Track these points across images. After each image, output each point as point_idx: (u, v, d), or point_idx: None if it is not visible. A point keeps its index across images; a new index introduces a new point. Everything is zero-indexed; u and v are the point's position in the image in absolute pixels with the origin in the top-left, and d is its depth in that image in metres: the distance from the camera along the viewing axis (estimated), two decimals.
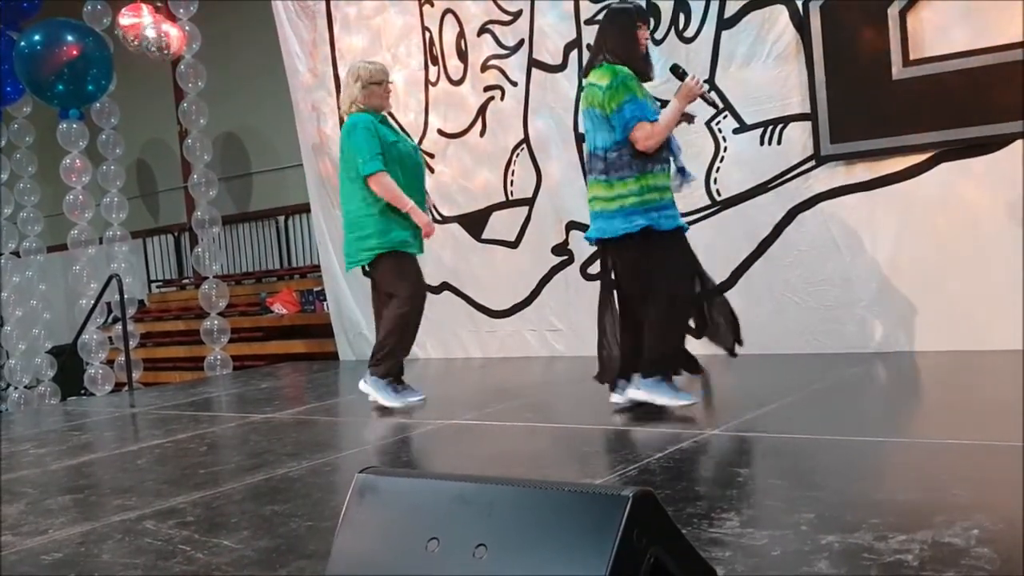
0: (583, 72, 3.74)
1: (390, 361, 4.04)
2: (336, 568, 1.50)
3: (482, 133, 5.70)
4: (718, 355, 4.62)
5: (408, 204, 3.89)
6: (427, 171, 4.16)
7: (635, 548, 1.25)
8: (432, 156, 5.97)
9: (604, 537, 1.22)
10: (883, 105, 4.21)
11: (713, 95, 3.81)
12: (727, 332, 3.60)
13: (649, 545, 1.27)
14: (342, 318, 6.62)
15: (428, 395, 4.26)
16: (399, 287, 3.99)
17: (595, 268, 5.33)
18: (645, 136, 3.28)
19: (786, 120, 4.51)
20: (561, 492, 1.33)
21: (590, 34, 5.13)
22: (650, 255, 3.33)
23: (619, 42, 3.41)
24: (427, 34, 5.91)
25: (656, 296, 3.33)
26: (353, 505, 1.52)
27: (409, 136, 4.17)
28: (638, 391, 3.41)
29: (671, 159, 3.43)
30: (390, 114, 4.15)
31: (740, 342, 3.62)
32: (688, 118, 3.44)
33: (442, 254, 5.98)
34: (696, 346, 4.82)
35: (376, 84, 3.97)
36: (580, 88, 5.28)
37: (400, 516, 1.45)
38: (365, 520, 1.50)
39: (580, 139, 5.28)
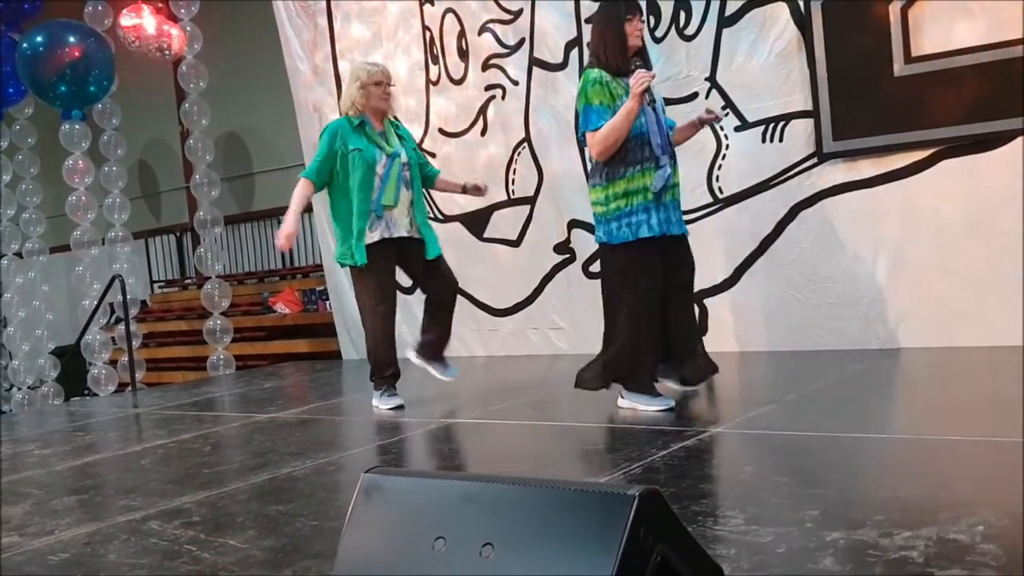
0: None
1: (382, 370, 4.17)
2: (343, 568, 1.50)
3: (483, 132, 5.70)
4: (721, 352, 4.64)
5: (294, 208, 3.92)
6: (410, 173, 4.02)
7: (642, 546, 1.25)
8: (433, 155, 5.96)
9: (611, 535, 1.23)
10: (885, 102, 4.20)
11: (717, 111, 3.75)
12: (691, 366, 3.43)
13: (656, 543, 1.27)
14: (345, 317, 6.63)
15: (430, 394, 4.27)
16: (358, 299, 4.12)
17: (597, 266, 5.34)
18: (591, 145, 3.28)
19: (788, 118, 4.51)
20: (567, 491, 1.34)
21: (590, 33, 5.14)
22: (611, 265, 3.33)
23: (597, 41, 3.37)
24: (427, 33, 5.91)
25: (616, 309, 3.32)
26: (359, 505, 1.53)
27: (404, 140, 4.09)
28: (623, 401, 3.42)
29: (655, 159, 3.26)
30: (395, 117, 4.16)
31: (698, 378, 3.46)
32: (714, 117, 3.51)
33: (444, 253, 5.97)
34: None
35: (375, 85, 3.97)
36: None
37: (406, 516, 1.46)
38: (371, 520, 1.51)
39: (581, 138, 5.28)
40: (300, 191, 3.96)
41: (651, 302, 3.28)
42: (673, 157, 3.35)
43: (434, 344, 4.25)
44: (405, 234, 3.99)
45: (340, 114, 4.07)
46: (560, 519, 1.29)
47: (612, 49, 3.30)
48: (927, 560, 1.65)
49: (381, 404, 4.09)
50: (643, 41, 3.37)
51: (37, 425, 5.13)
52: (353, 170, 3.89)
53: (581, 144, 5.26)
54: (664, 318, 3.35)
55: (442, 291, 4.21)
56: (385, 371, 4.10)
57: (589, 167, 3.38)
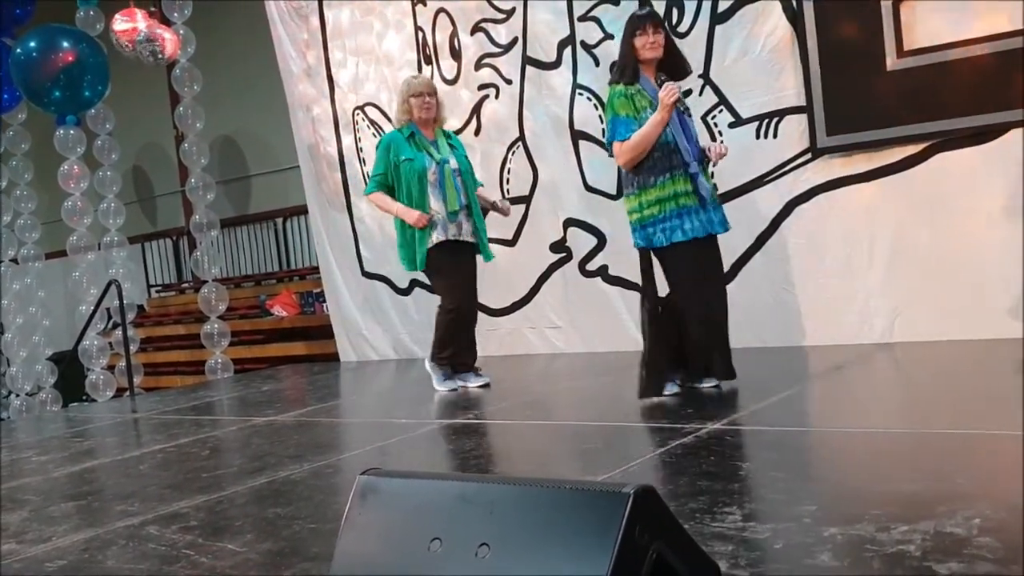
0: None
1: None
2: (339, 570, 1.50)
3: (477, 132, 5.70)
4: None
5: (394, 208, 4.21)
6: (464, 179, 4.29)
7: (637, 545, 1.25)
8: None
9: (606, 534, 1.23)
10: (878, 96, 4.20)
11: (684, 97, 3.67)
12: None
13: (651, 541, 1.27)
14: (342, 319, 6.63)
15: (427, 394, 4.27)
16: (439, 294, 4.42)
17: (593, 265, 5.34)
18: (617, 155, 3.44)
19: (782, 113, 4.51)
20: (562, 490, 1.34)
21: (583, 31, 5.15)
22: (647, 271, 3.48)
23: (619, 57, 3.54)
24: (420, 34, 5.91)
25: (643, 310, 3.49)
26: (355, 507, 1.53)
27: (455, 148, 4.34)
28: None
29: (684, 166, 3.41)
30: (443, 130, 4.39)
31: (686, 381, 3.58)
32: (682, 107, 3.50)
33: None
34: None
35: (415, 97, 4.21)
36: (575, 85, 5.30)
37: (402, 517, 1.46)
38: (367, 522, 1.51)
39: (576, 136, 5.28)
40: (383, 198, 4.25)
41: (703, 301, 3.46)
42: (702, 162, 3.48)
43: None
44: (470, 239, 4.25)
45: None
46: (555, 519, 1.29)
47: (627, 66, 3.47)
48: (924, 554, 1.65)
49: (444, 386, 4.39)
50: (666, 51, 3.48)
51: (35, 431, 5.12)
52: (407, 179, 4.16)
53: (576, 145, 5.29)
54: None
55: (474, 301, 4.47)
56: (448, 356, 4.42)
57: (621, 177, 3.59)
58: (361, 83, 6.26)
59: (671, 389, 3.52)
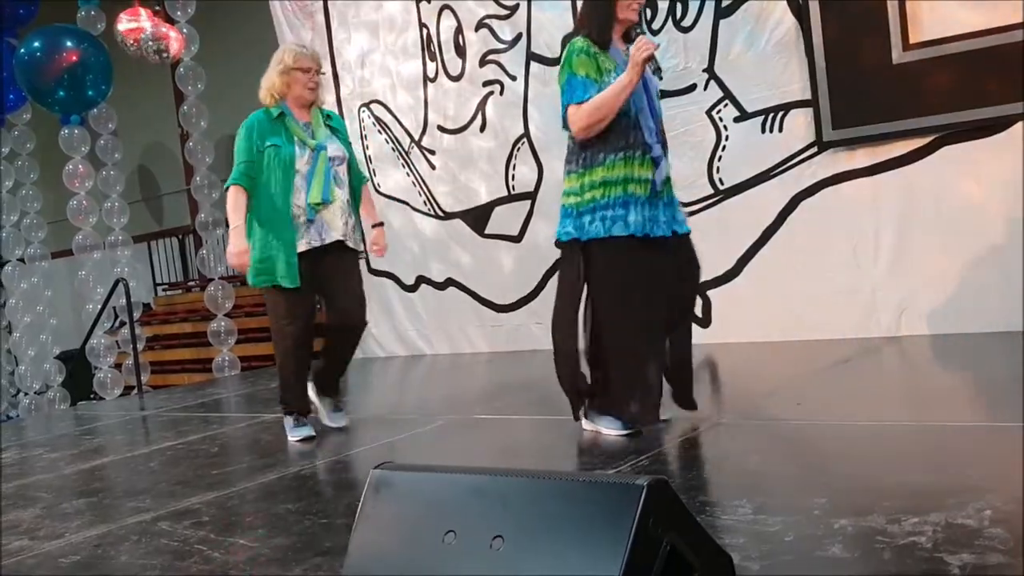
0: None
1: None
2: (354, 563, 1.51)
3: (482, 128, 5.70)
4: (724, 343, 4.64)
5: (234, 224, 3.40)
6: (345, 169, 3.50)
7: (651, 536, 1.26)
8: (433, 152, 5.97)
9: (620, 526, 1.24)
10: (884, 90, 4.20)
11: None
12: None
13: (665, 533, 1.28)
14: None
15: (435, 392, 4.27)
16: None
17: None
18: (572, 120, 2.82)
19: (787, 107, 4.50)
20: (576, 483, 1.35)
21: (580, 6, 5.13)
22: (585, 266, 2.84)
23: (585, 11, 2.97)
24: (424, 30, 5.91)
25: (601, 321, 2.87)
26: (369, 501, 1.54)
27: (337, 132, 3.54)
28: (587, 423, 3.00)
29: (644, 146, 2.80)
30: (321, 110, 3.56)
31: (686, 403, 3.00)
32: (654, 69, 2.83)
33: (447, 250, 5.99)
34: (700, 336, 4.83)
35: (301, 72, 3.43)
36: None
37: (416, 510, 1.47)
38: (381, 515, 1.52)
39: (563, 115, 5.26)
40: (233, 202, 3.41)
41: (642, 305, 2.80)
42: (665, 146, 2.89)
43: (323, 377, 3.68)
44: (340, 237, 3.43)
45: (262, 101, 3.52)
46: (569, 511, 1.30)
47: (598, 19, 2.87)
48: (935, 545, 1.66)
49: (290, 435, 3.55)
50: (640, 18, 2.94)
51: (45, 430, 5.14)
52: (270, 170, 3.37)
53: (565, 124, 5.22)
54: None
55: (350, 312, 3.61)
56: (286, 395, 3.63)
57: (567, 151, 2.93)
58: (366, 81, 6.27)
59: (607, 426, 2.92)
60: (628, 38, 2.90)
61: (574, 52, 2.86)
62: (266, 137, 3.41)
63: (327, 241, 3.41)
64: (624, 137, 2.80)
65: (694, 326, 3.11)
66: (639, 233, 2.77)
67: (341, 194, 3.46)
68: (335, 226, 3.42)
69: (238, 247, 3.36)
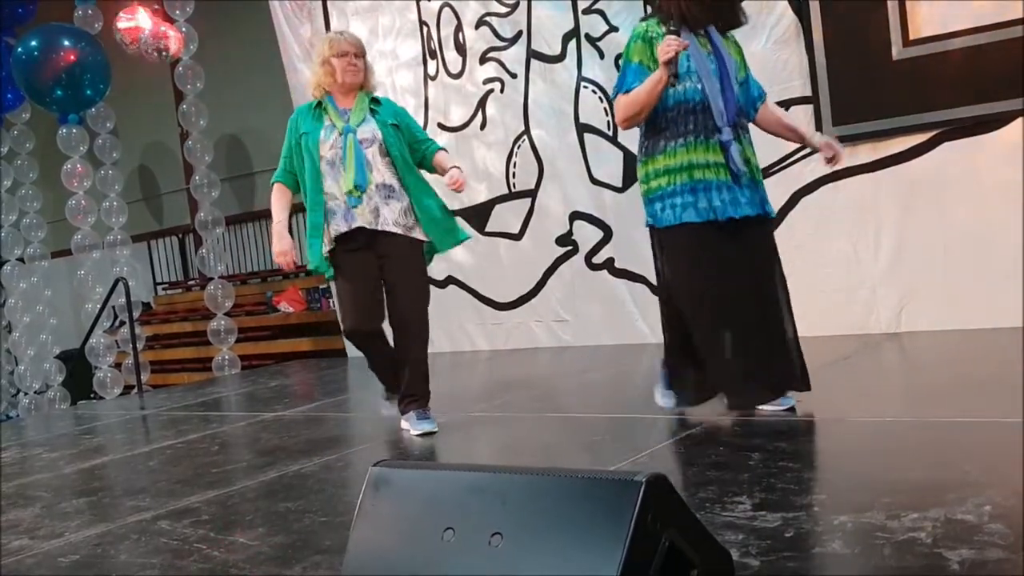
0: None
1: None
2: (354, 560, 1.51)
3: (483, 126, 5.70)
4: None
5: (274, 223, 3.37)
6: (380, 152, 3.28)
7: (650, 532, 1.26)
8: None
9: (619, 522, 1.23)
10: (884, 86, 4.19)
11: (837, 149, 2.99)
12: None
13: (664, 529, 1.28)
14: None
15: (435, 389, 4.27)
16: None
17: (599, 258, 5.34)
18: (616, 110, 2.85)
19: (787, 104, 4.49)
20: (574, 479, 1.34)
21: (588, 24, 5.14)
22: (661, 252, 2.88)
23: None
24: (424, 28, 5.90)
25: (677, 303, 2.89)
26: (368, 498, 1.54)
27: (376, 114, 3.33)
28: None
29: (709, 131, 2.75)
30: (369, 94, 3.39)
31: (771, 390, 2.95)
32: (672, 80, 2.71)
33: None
34: None
35: (338, 57, 3.29)
36: (579, 78, 5.29)
37: (415, 508, 1.47)
38: (381, 513, 1.51)
39: (581, 129, 5.27)
40: (275, 199, 3.40)
41: (718, 293, 2.80)
42: (744, 129, 2.87)
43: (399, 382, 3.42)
44: (363, 225, 3.23)
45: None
46: (568, 507, 1.30)
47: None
48: (935, 541, 1.65)
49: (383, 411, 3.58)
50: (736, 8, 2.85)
51: (45, 429, 5.14)
52: (301, 159, 3.31)
53: (581, 138, 5.28)
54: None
55: (397, 309, 3.35)
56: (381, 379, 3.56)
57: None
58: None
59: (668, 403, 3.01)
60: (724, 16, 2.85)
61: (633, 37, 2.82)
62: (301, 128, 3.34)
63: (353, 227, 3.23)
64: (685, 122, 2.77)
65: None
66: (716, 217, 2.75)
67: (373, 178, 3.25)
68: (361, 213, 3.23)
69: (278, 247, 3.34)
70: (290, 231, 3.43)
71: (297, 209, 3.57)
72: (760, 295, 2.85)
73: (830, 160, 3.00)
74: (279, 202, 3.40)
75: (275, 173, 3.45)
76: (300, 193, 3.39)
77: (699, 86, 2.76)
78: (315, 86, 3.38)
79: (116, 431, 4.71)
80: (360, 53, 3.35)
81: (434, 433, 3.28)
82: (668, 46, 2.63)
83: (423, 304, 3.37)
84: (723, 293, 2.80)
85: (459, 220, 3.63)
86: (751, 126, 3.01)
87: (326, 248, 3.27)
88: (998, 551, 1.58)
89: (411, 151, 3.38)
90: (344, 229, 3.24)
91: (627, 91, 2.79)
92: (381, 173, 3.26)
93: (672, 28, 2.73)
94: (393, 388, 3.47)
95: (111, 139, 7.93)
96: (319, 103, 3.34)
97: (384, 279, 3.32)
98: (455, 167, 3.35)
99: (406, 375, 3.35)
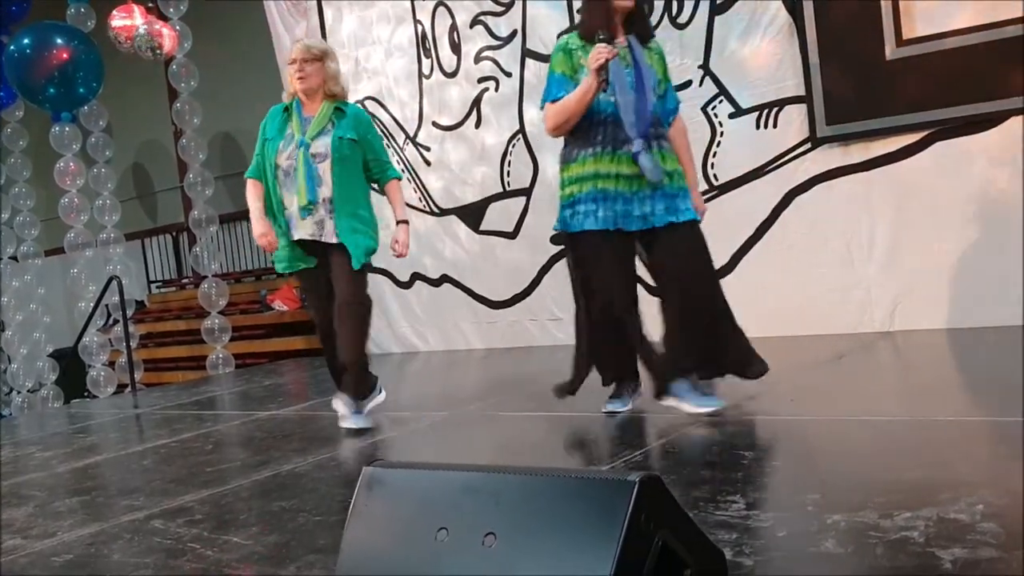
0: None
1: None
2: (347, 560, 1.51)
3: (477, 125, 5.70)
4: None
5: (251, 210, 3.50)
6: (329, 166, 3.40)
7: (643, 532, 1.26)
8: (428, 149, 5.97)
9: (612, 522, 1.24)
10: (877, 86, 4.20)
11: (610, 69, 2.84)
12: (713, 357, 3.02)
13: (657, 529, 1.28)
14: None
15: (429, 388, 4.27)
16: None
17: None
18: (544, 119, 2.97)
19: (781, 103, 4.51)
20: (568, 479, 1.34)
21: None
22: (569, 255, 3.05)
23: (582, 3, 3.03)
24: (419, 27, 5.90)
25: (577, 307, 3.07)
26: (362, 498, 1.53)
27: (335, 126, 3.44)
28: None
29: (619, 142, 2.84)
30: (337, 102, 3.50)
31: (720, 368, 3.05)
32: (603, 85, 2.81)
33: (441, 246, 5.99)
34: None
35: (290, 64, 3.48)
36: None
37: (409, 507, 1.47)
38: (374, 513, 1.51)
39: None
40: (249, 192, 3.53)
41: (604, 302, 2.95)
42: (660, 139, 2.93)
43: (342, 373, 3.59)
44: (306, 236, 3.42)
45: None
46: (561, 507, 1.30)
47: (589, 10, 2.93)
48: (928, 540, 1.66)
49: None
50: (637, 5, 2.94)
51: (38, 428, 5.13)
52: (263, 164, 3.48)
53: None
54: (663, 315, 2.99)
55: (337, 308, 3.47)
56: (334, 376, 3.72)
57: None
58: (360, 77, 6.25)
59: (614, 407, 3.13)
60: (639, 28, 2.96)
61: (556, 50, 2.98)
62: (268, 131, 3.52)
63: (303, 237, 3.44)
64: (594, 133, 2.88)
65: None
66: (610, 227, 2.87)
67: (322, 192, 3.39)
68: (307, 225, 3.41)
69: (258, 230, 3.49)
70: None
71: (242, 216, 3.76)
72: (677, 296, 2.94)
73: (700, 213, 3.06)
74: (254, 193, 3.54)
75: (248, 169, 3.59)
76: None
77: (612, 99, 2.85)
78: (286, 92, 3.60)
79: (110, 430, 4.70)
80: (310, 59, 3.45)
81: (368, 430, 3.48)
82: (599, 54, 2.75)
83: (360, 307, 3.49)
84: (615, 299, 2.93)
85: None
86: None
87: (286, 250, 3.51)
88: (990, 550, 1.58)
89: (368, 166, 3.54)
90: (294, 238, 3.46)
91: (554, 100, 2.91)
92: (329, 187, 3.40)
93: (602, 37, 2.82)
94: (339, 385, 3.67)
95: (104, 137, 7.91)
96: (286, 107, 3.53)
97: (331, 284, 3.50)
98: (403, 222, 3.59)
99: (344, 363, 3.52)
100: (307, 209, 3.38)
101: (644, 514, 1.25)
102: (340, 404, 3.57)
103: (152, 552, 2.22)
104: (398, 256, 3.61)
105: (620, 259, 2.94)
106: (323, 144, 3.40)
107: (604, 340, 3.04)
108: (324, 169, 3.39)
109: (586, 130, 2.88)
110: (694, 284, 2.94)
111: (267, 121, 3.55)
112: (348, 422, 3.50)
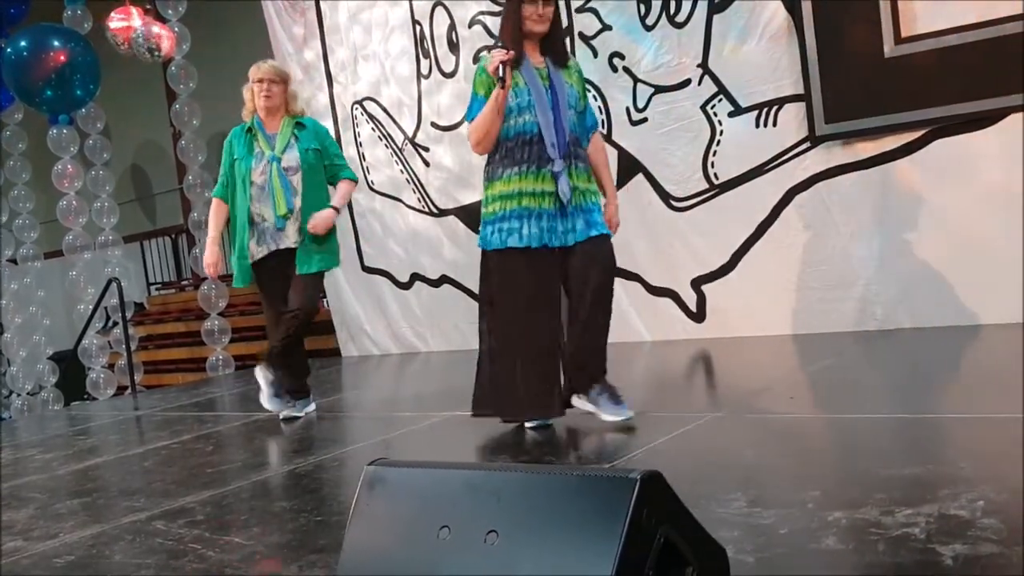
0: None
1: None
2: (349, 559, 1.51)
3: None
4: (719, 337, 4.65)
5: (210, 234, 3.87)
6: (298, 178, 3.74)
7: (645, 529, 1.26)
8: (427, 149, 5.97)
9: (614, 519, 1.24)
10: (876, 83, 4.20)
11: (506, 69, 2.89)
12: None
13: (659, 526, 1.28)
14: (343, 314, 6.63)
15: (429, 387, 4.27)
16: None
17: None
18: (469, 138, 3.06)
19: (781, 102, 4.50)
20: (569, 476, 1.34)
21: (581, 22, 5.13)
22: (485, 278, 3.08)
23: (500, 26, 3.10)
24: (418, 28, 5.90)
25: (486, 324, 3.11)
26: (363, 497, 1.53)
27: (298, 140, 3.78)
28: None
29: (542, 161, 2.91)
30: (294, 117, 3.84)
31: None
32: (499, 80, 2.86)
33: (441, 247, 5.99)
34: (695, 331, 4.84)
35: (257, 83, 3.77)
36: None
37: (410, 506, 1.46)
38: (376, 512, 1.51)
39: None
40: (212, 212, 3.89)
41: (517, 317, 2.98)
42: (578, 158, 3.00)
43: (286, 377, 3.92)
44: (292, 245, 3.75)
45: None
46: (563, 504, 1.30)
47: (504, 33, 3.01)
48: (929, 536, 1.66)
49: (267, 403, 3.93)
50: (552, 28, 3.00)
51: (38, 430, 5.12)
52: (234, 182, 3.78)
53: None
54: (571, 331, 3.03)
55: (291, 309, 3.79)
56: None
57: None
58: (360, 78, 6.26)
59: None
60: (554, 52, 3.03)
61: (477, 71, 3.02)
62: (235, 151, 3.80)
63: (282, 247, 3.75)
64: (520, 152, 2.94)
65: (688, 320, 3.15)
66: (534, 245, 2.91)
67: (294, 203, 3.74)
68: (288, 234, 3.74)
69: (208, 258, 3.82)
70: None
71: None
72: (588, 307, 2.97)
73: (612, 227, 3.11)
74: (216, 216, 3.89)
75: (216, 188, 3.92)
76: None
77: (536, 119, 2.93)
78: (245, 107, 3.85)
79: (110, 432, 4.70)
80: (277, 80, 3.80)
81: (299, 418, 3.91)
82: (494, 57, 2.85)
83: (311, 305, 3.87)
84: (527, 316, 2.96)
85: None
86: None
87: (248, 261, 3.79)
88: (991, 546, 1.59)
89: (325, 170, 3.88)
90: (272, 248, 3.75)
91: (471, 119, 3.00)
92: (299, 196, 3.74)
93: (499, 44, 2.95)
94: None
95: (101, 139, 7.91)
96: (250, 128, 3.80)
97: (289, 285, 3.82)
98: (333, 208, 3.82)
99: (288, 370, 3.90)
100: (284, 218, 3.70)
101: (646, 511, 1.25)
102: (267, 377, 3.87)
103: (153, 553, 2.22)
104: (312, 230, 3.74)
105: (543, 277, 2.96)
106: (292, 157, 3.74)
107: (522, 375, 2.98)
108: (296, 180, 3.74)
109: (511, 149, 2.95)
110: (604, 296, 3.01)
111: (232, 141, 3.83)
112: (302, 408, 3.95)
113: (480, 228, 3.06)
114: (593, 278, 2.95)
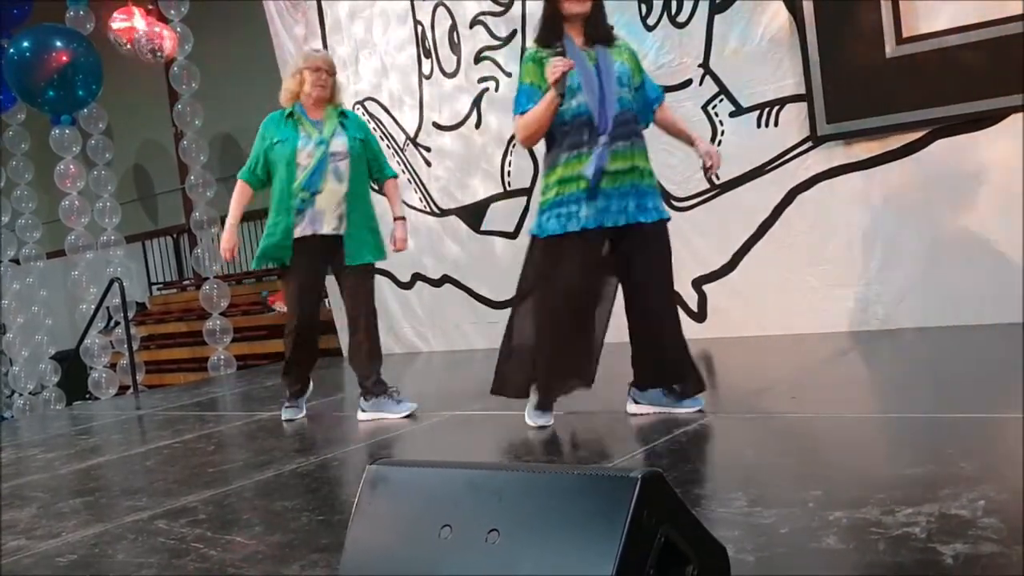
0: None
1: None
2: (351, 558, 1.51)
3: (477, 124, 5.70)
4: (720, 337, 4.65)
5: (230, 217, 3.80)
6: (346, 165, 3.67)
7: (646, 529, 1.26)
8: (428, 149, 5.97)
9: (615, 518, 1.24)
10: (878, 84, 4.20)
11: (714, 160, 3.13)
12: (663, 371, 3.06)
13: (659, 525, 1.28)
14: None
15: (431, 387, 4.27)
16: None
17: None
18: (516, 131, 3.05)
19: (782, 102, 4.51)
20: (570, 475, 1.35)
21: None
22: (531, 259, 3.09)
23: (541, 13, 3.05)
24: (419, 27, 5.90)
25: (533, 310, 3.12)
26: (365, 496, 1.54)
27: (346, 129, 3.72)
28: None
29: (592, 142, 2.88)
30: (337, 108, 3.79)
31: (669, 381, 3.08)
32: (560, 98, 2.89)
33: (442, 247, 5.99)
34: (696, 330, 4.82)
35: (311, 71, 3.68)
36: None
37: (412, 505, 1.47)
38: (378, 511, 1.52)
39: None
40: (235, 195, 3.82)
41: (567, 306, 2.99)
42: (627, 137, 2.94)
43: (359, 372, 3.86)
44: (331, 232, 3.67)
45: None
46: (564, 504, 1.30)
47: (543, 20, 2.99)
48: (929, 536, 1.66)
49: (283, 414, 4.04)
50: (594, 9, 2.98)
51: (40, 430, 5.13)
52: (276, 164, 3.67)
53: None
54: (630, 320, 3.04)
55: (352, 307, 3.85)
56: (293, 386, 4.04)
57: None
58: (361, 78, 6.26)
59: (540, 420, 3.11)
60: (598, 32, 3.00)
61: (524, 60, 3.02)
62: (275, 134, 3.71)
63: (320, 232, 3.65)
64: (580, 134, 2.92)
65: (689, 320, 3.17)
66: (591, 226, 2.89)
67: (338, 188, 3.66)
68: (326, 219, 3.66)
69: (226, 243, 3.76)
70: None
71: (248, 217, 4.08)
72: (642, 300, 2.99)
73: (707, 169, 3.16)
74: (239, 200, 3.82)
75: (242, 170, 3.81)
76: (261, 193, 3.83)
77: (584, 100, 2.91)
78: (287, 93, 3.76)
79: (112, 431, 4.70)
80: (332, 72, 3.78)
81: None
82: (555, 67, 2.81)
83: (373, 304, 3.88)
84: (580, 304, 3.00)
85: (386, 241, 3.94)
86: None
87: (279, 239, 3.67)
88: (992, 545, 1.59)
89: (368, 166, 3.82)
90: (309, 232, 3.65)
91: (523, 111, 2.97)
92: (347, 184, 3.67)
93: (559, 49, 2.92)
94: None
95: (103, 140, 7.92)
96: (291, 112, 3.72)
97: (337, 272, 3.82)
98: (401, 219, 3.88)
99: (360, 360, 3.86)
100: (303, 198, 3.62)
101: (647, 510, 1.26)
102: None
103: (156, 552, 2.23)
104: (397, 251, 3.88)
105: (590, 263, 2.97)
106: (341, 143, 3.68)
107: (558, 345, 3.05)
108: (344, 167, 3.67)
109: (568, 132, 2.93)
110: (657, 286, 3.01)
111: (269, 125, 3.76)
112: (402, 408, 3.74)
113: (537, 216, 3.03)
114: (653, 264, 2.96)
